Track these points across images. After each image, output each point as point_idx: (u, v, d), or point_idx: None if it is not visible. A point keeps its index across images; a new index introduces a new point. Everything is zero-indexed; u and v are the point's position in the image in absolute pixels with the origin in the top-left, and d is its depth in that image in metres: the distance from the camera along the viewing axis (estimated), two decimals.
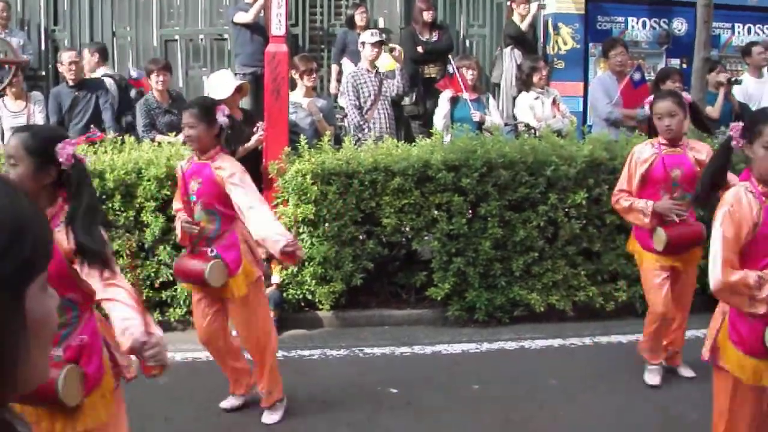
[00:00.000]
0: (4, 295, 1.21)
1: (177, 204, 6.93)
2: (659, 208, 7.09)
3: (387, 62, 11.50)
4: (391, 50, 11.47)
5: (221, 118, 6.59)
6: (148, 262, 9.12)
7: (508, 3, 13.75)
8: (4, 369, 1.21)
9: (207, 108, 6.61)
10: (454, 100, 11.28)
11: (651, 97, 11.46)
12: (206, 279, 6.36)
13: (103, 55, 12.60)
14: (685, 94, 7.33)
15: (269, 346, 6.79)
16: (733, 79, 12.43)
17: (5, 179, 1.29)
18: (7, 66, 11.41)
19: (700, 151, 7.18)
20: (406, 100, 12.31)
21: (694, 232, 7.21)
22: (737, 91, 12.36)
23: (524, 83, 11.75)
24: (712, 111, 11.71)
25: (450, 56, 12.25)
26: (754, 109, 12.05)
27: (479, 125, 11.05)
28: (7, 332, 1.20)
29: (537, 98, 11.51)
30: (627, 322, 9.46)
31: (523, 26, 13.23)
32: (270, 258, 9.25)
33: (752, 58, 12.81)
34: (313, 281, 9.26)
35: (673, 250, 7.16)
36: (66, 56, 11.33)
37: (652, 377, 7.58)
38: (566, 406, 7.10)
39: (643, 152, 7.29)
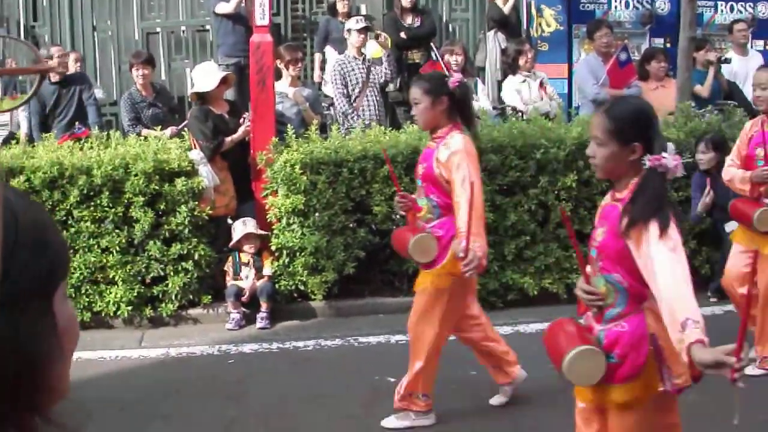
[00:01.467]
0: (40, 302, 1.20)
1: None
2: (755, 177, 7.07)
3: (373, 49, 11.44)
4: (377, 36, 11.41)
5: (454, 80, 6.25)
6: (138, 258, 9.07)
7: None
8: (42, 377, 1.20)
9: (434, 81, 6.31)
10: None
11: (636, 77, 11.59)
12: (409, 250, 6.20)
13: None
14: None
15: (432, 347, 6.56)
16: (722, 57, 12.40)
17: (21, 192, 1.28)
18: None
19: None
20: (391, 87, 12.25)
21: None
22: (724, 70, 12.35)
23: (510, 67, 11.71)
24: (702, 90, 11.71)
25: (433, 42, 12.20)
26: (741, 86, 12.08)
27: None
28: (44, 339, 1.19)
29: (524, 81, 11.47)
30: None
31: (506, 9, 13.16)
32: (261, 250, 9.24)
33: (734, 36, 12.82)
34: (305, 271, 9.22)
35: None
36: (54, 51, 11.24)
37: None
38: (565, 390, 7.07)
39: (748, 126, 7.37)
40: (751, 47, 13.22)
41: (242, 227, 9.24)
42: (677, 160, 3.97)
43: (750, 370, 6.21)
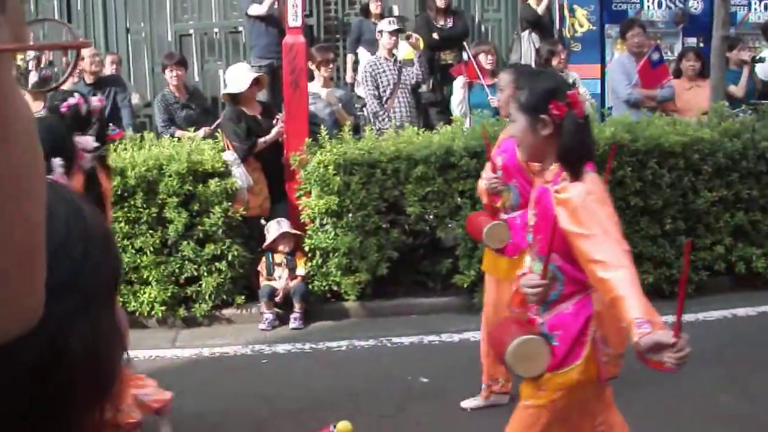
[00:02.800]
0: (109, 300, 1.21)
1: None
2: None
3: (405, 50, 11.45)
4: (408, 38, 11.40)
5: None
6: (171, 258, 9.11)
7: None
8: (114, 377, 1.20)
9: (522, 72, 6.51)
10: (471, 86, 11.24)
11: (670, 77, 11.53)
12: (484, 237, 6.30)
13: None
14: None
15: None
16: (757, 57, 12.33)
17: (78, 193, 1.28)
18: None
19: None
20: (424, 87, 12.25)
21: None
22: (758, 69, 12.27)
23: (543, 67, 11.67)
24: (736, 90, 11.64)
25: (465, 42, 12.19)
26: None
27: (498, 111, 10.98)
28: (112, 338, 1.20)
29: None
30: (654, 304, 9.35)
31: (539, 9, 13.13)
32: (294, 250, 9.26)
33: None
34: (338, 272, 9.24)
35: None
36: (87, 52, 11.27)
37: None
38: None
39: None
40: None
41: (277, 227, 9.26)
42: None
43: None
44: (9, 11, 0.78)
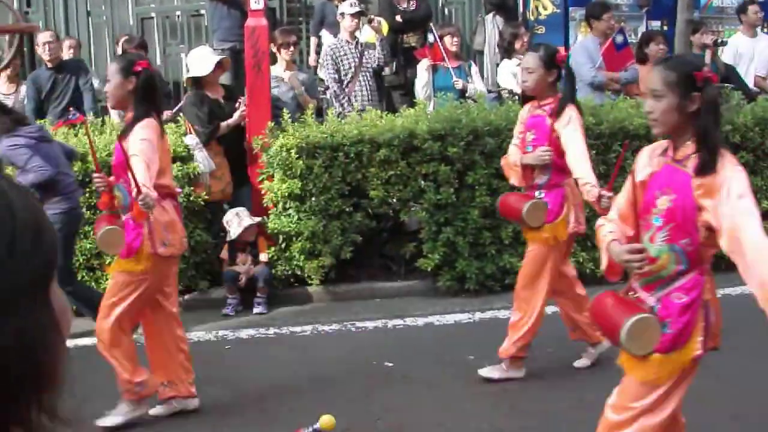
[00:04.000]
0: (41, 294, 1.17)
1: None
2: None
3: (368, 34, 11.39)
4: (370, 21, 11.34)
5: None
6: None
7: None
8: (48, 373, 1.17)
9: (550, 54, 6.70)
10: (435, 69, 11.20)
11: (633, 61, 11.53)
12: (523, 217, 6.63)
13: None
14: None
15: (537, 308, 6.98)
16: (719, 40, 12.36)
17: (12, 181, 1.25)
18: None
19: None
20: (387, 70, 12.18)
21: None
22: (726, 51, 12.31)
23: (506, 50, 11.65)
24: None
25: (431, 24, 12.14)
26: (743, 68, 12.04)
27: (462, 93, 10.96)
28: (48, 331, 1.16)
29: (519, 65, 11.40)
30: (617, 287, 9.42)
31: None
32: (258, 236, 9.21)
33: (747, 17, 12.76)
34: (302, 256, 9.20)
35: None
36: (41, 37, 11.13)
37: None
38: (564, 374, 7.07)
39: None
40: (762, 30, 13.17)
41: (237, 220, 9.13)
42: None
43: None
44: None
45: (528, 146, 6.80)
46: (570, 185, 6.75)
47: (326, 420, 4.11)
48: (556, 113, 6.59)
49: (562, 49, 7.01)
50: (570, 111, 6.59)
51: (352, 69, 11.06)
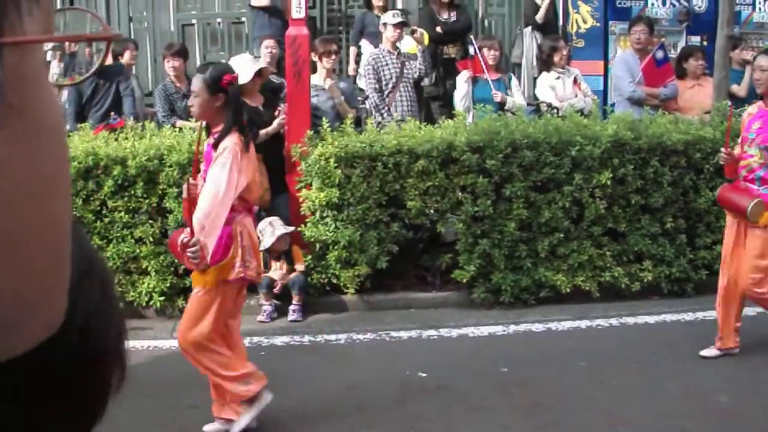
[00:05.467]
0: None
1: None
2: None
3: (409, 45, 11.41)
4: (413, 32, 11.36)
5: None
6: None
7: None
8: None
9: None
10: (474, 81, 11.20)
11: (674, 77, 11.50)
12: (747, 214, 7.14)
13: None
14: None
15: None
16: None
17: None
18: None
19: None
20: (426, 81, 12.21)
21: None
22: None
23: (545, 63, 11.65)
24: (739, 89, 11.63)
25: (471, 36, 12.15)
26: None
27: (501, 106, 10.96)
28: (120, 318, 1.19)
29: (558, 78, 11.41)
30: (653, 303, 9.44)
31: (543, 5, 13.10)
32: (292, 244, 9.24)
33: None
34: (338, 265, 9.22)
35: None
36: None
37: None
38: (596, 389, 7.06)
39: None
40: None
41: (270, 230, 9.13)
42: None
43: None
44: (43, 0, 0.77)
45: (751, 132, 7.40)
46: None
47: None
48: None
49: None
50: None
51: (393, 79, 11.07)
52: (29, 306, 0.76)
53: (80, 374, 0.96)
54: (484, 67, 11.09)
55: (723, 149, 7.43)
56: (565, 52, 11.63)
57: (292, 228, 9.25)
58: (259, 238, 9.17)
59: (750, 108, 7.67)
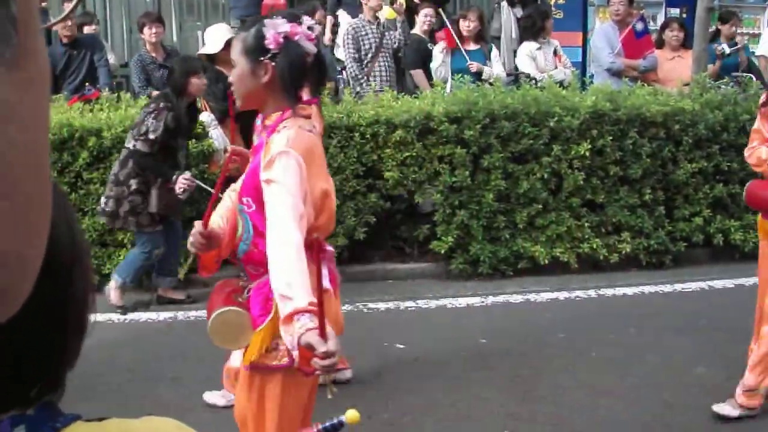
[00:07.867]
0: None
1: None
2: None
3: (386, 12, 11.32)
4: (393, 2, 11.27)
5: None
6: None
7: None
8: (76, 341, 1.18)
9: None
10: (453, 52, 11.12)
11: (653, 49, 11.48)
12: None
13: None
14: None
15: None
16: (725, 53, 12.14)
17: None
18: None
19: None
20: (404, 51, 12.14)
21: None
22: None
23: (534, 32, 11.47)
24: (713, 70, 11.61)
25: (440, 9, 12.06)
26: None
27: (478, 76, 10.89)
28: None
29: (539, 48, 11.36)
30: (631, 274, 9.45)
31: None
32: None
33: None
34: None
35: None
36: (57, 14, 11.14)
37: None
38: (575, 360, 7.05)
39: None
40: None
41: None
42: None
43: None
44: None
45: None
46: None
47: (351, 415, 4.05)
48: None
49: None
50: None
51: (373, 49, 10.99)
52: (29, 267, 0.77)
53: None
54: (456, 38, 10.99)
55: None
56: (551, 22, 11.63)
57: None
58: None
59: None
